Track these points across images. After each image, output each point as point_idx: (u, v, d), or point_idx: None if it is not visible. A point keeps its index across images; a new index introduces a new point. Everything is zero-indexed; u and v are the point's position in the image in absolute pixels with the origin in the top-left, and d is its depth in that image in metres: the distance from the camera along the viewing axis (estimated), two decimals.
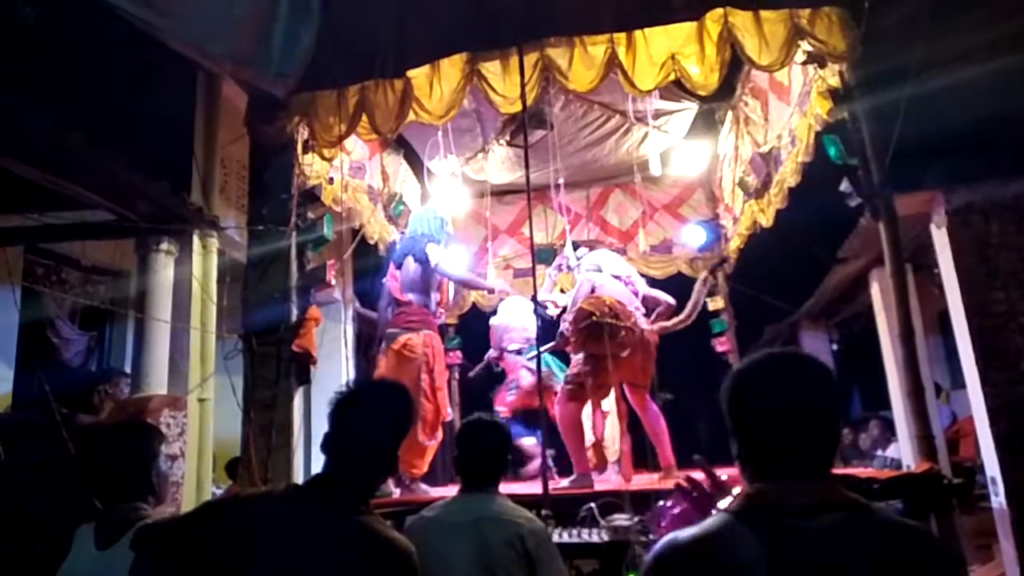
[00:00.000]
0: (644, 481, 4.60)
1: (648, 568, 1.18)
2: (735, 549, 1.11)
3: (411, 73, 4.58)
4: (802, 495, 1.14)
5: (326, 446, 1.73)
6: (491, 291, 5.25)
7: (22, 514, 3.45)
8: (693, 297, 5.58)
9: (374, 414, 1.76)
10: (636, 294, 5.33)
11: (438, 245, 5.11)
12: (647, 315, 5.31)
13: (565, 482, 4.75)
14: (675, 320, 5.46)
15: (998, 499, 4.00)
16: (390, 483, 4.69)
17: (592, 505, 3.52)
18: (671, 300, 5.47)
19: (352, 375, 5.72)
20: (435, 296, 5.08)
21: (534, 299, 5.06)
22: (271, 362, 4.22)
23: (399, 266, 5.10)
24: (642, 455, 4.97)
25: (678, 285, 6.40)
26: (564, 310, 5.55)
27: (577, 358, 5.12)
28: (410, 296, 4.96)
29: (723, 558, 1.11)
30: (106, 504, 2.10)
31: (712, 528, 1.16)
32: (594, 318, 4.72)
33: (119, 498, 2.09)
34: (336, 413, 1.76)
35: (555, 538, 3.18)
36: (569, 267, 6.11)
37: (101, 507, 2.10)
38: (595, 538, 3.27)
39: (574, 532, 3.36)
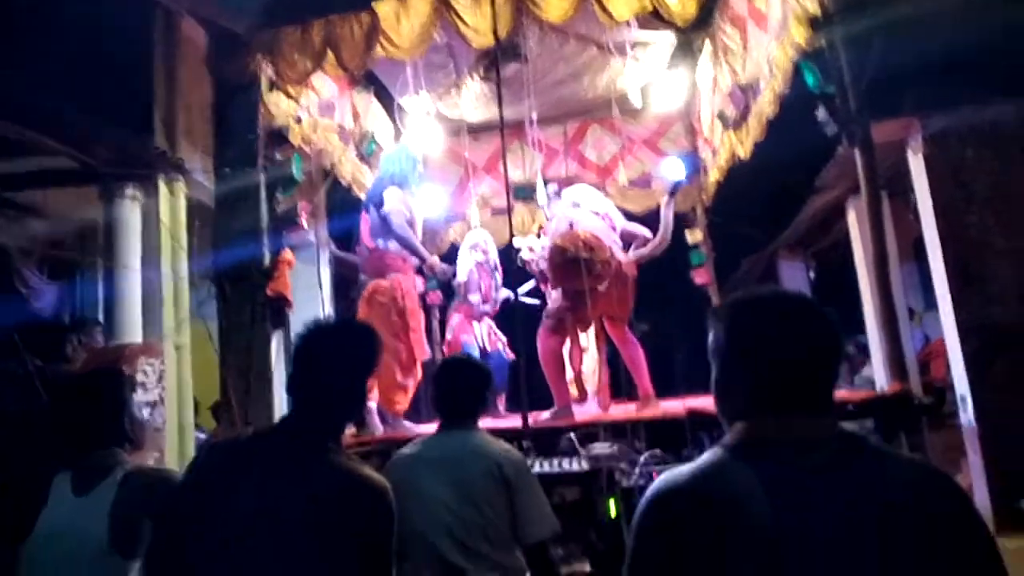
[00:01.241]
0: (622, 411, 4.67)
1: (644, 508, 1.16)
2: (732, 486, 1.08)
3: (377, 6, 4.43)
4: (800, 430, 1.12)
5: (290, 387, 1.72)
6: (426, 264, 4.90)
7: (3, 464, 3.44)
8: (662, 221, 5.49)
9: (333, 352, 1.73)
10: (614, 228, 5.29)
11: (404, 189, 4.97)
12: (625, 248, 5.29)
13: (546, 414, 4.81)
14: (651, 246, 5.41)
15: (967, 415, 4.12)
16: (376, 421, 4.73)
17: (571, 435, 3.57)
18: (648, 234, 5.46)
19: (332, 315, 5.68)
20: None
21: (511, 240, 5.00)
22: (246, 307, 4.19)
23: (368, 210, 5.00)
24: (619, 386, 5.03)
25: (657, 219, 6.37)
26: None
27: (556, 294, 5.12)
28: (378, 242, 4.88)
29: (721, 495, 1.09)
30: (81, 452, 2.09)
31: (708, 465, 1.14)
32: (568, 254, 4.69)
33: (93, 445, 2.08)
34: (297, 354, 1.74)
35: (537, 468, 3.24)
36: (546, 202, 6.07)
37: (76, 455, 2.09)
38: (575, 467, 3.33)
39: (555, 462, 3.41)
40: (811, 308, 1.22)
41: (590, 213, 5.24)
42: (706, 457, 1.16)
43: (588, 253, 4.66)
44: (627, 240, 5.33)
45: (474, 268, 6.46)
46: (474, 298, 6.41)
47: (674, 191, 5.60)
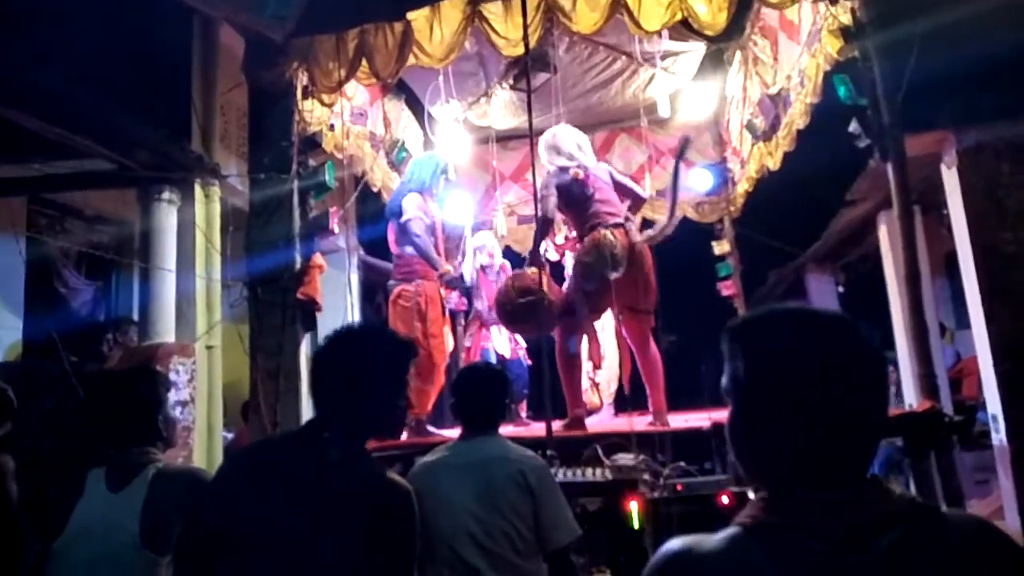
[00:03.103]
0: (645, 422, 4.60)
1: None
2: None
3: (411, 15, 4.49)
4: (838, 514, 0.87)
5: (312, 392, 1.75)
6: (438, 273, 4.90)
7: (37, 459, 3.53)
8: (669, 196, 5.09)
9: (349, 358, 1.74)
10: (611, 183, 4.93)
11: (424, 194, 5.02)
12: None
13: (558, 425, 4.72)
14: (658, 227, 5.06)
15: (999, 436, 4.05)
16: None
17: (596, 445, 3.57)
18: (643, 193, 5.25)
19: (358, 322, 5.73)
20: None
21: (535, 249, 4.93)
22: (276, 309, 4.24)
23: (390, 218, 5.06)
24: (638, 396, 4.77)
25: (684, 230, 6.33)
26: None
27: (569, 285, 4.92)
28: (404, 249, 4.94)
29: None
30: (116, 448, 2.14)
31: (722, 545, 0.90)
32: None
33: (128, 443, 2.13)
34: (316, 359, 1.77)
35: (560, 478, 3.25)
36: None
37: (111, 451, 2.15)
38: (599, 477, 3.33)
39: (579, 472, 3.42)
40: (855, 334, 0.95)
41: (599, 175, 5.00)
42: (723, 533, 0.93)
43: (611, 264, 4.53)
44: (620, 193, 5.08)
45: (477, 275, 6.43)
46: (479, 304, 6.37)
47: (682, 152, 5.22)
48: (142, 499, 2.00)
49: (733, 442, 1.00)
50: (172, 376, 3.98)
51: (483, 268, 6.44)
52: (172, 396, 2.31)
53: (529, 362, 6.45)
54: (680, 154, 5.18)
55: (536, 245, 4.80)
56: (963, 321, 5.67)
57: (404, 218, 4.85)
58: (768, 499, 0.92)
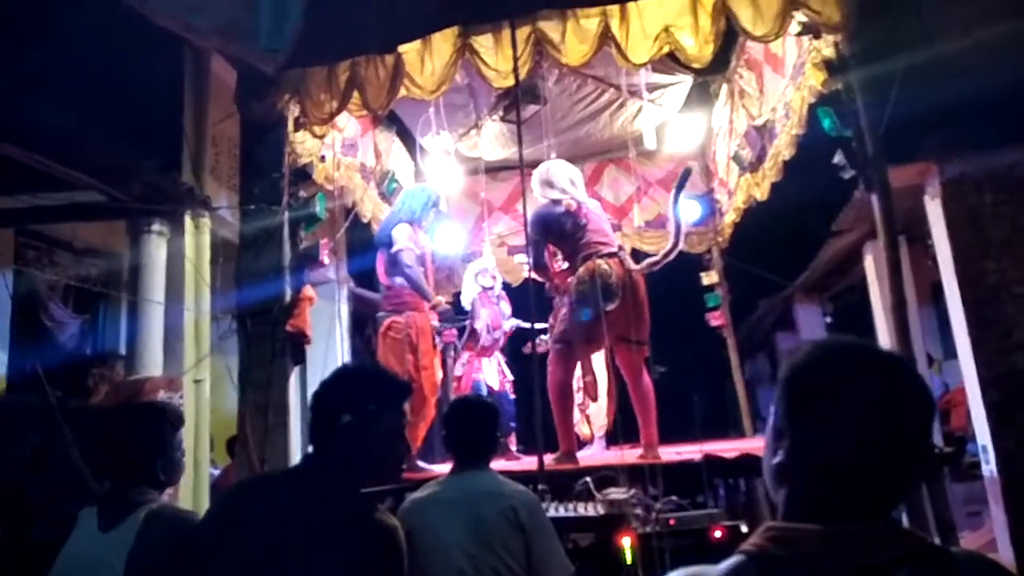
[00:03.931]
0: (636, 455, 4.57)
1: None
2: None
3: (402, 48, 4.52)
4: (857, 551, 0.85)
5: (310, 429, 1.76)
6: (430, 304, 4.91)
7: (21, 497, 3.46)
8: (672, 222, 5.05)
9: (346, 398, 1.75)
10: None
11: (414, 225, 5.03)
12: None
13: (549, 458, 4.68)
14: (661, 253, 5.01)
15: (989, 467, 4.06)
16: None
17: (587, 479, 3.55)
18: (616, 240, 5.26)
19: (347, 355, 5.70)
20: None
21: (529, 278, 4.95)
22: (266, 342, 4.20)
23: (380, 249, 5.05)
24: (629, 428, 4.72)
25: (672, 260, 6.36)
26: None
27: (563, 313, 4.87)
28: (394, 280, 4.93)
29: None
30: (112, 487, 2.11)
31: (725, 574, 0.89)
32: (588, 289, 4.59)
33: (124, 482, 2.10)
34: (316, 398, 1.77)
35: (551, 512, 3.21)
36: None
37: (106, 490, 2.12)
38: (591, 512, 3.29)
39: (570, 506, 3.38)
40: (904, 369, 0.94)
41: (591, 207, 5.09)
42: (724, 567, 0.92)
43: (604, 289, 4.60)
44: None
45: (478, 298, 6.42)
46: (479, 324, 6.31)
47: (683, 181, 5.16)
48: (131, 539, 1.97)
49: (766, 461, 0.98)
50: None
51: (485, 290, 6.43)
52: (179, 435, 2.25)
53: (514, 396, 6.42)
54: (681, 183, 5.19)
55: (544, 280, 5.02)
56: (950, 351, 5.70)
57: (395, 248, 4.85)
58: (777, 529, 0.91)
